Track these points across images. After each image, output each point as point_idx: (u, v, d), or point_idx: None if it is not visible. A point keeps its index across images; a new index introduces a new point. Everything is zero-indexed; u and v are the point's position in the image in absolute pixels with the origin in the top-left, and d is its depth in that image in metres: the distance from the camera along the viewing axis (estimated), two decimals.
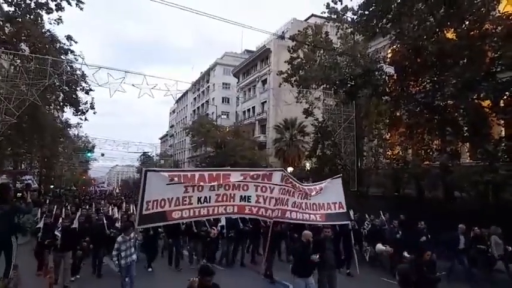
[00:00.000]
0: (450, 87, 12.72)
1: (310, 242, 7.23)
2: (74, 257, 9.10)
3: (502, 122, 13.37)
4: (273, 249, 9.78)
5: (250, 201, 8.03)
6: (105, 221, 10.55)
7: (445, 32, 13.82)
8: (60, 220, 9.63)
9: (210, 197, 7.48)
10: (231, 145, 33.40)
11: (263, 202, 8.14)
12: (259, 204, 8.12)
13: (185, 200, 7.23)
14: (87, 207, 15.58)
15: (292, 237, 12.34)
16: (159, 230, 10.90)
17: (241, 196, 7.91)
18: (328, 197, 9.09)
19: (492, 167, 12.64)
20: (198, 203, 7.37)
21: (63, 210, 12.34)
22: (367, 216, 13.75)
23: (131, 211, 14.36)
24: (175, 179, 7.11)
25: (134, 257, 7.91)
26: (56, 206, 13.23)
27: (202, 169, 8.41)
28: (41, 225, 9.88)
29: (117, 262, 7.61)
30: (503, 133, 14.26)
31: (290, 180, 8.46)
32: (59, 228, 9.00)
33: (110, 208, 14.45)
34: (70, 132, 34.17)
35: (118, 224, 10.66)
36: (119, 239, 7.72)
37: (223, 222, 11.35)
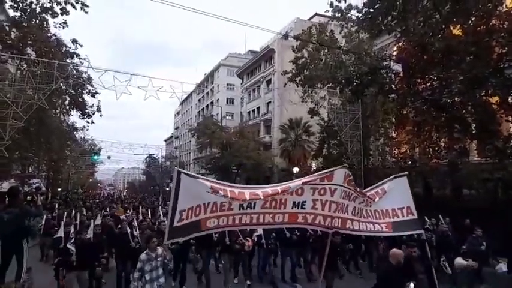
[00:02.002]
0: (457, 84, 12.56)
1: (401, 264, 5.88)
2: (91, 276, 7.89)
3: (511, 118, 13.23)
4: (332, 266, 8.05)
5: (304, 208, 6.44)
6: (128, 231, 9.14)
7: (452, 28, 13.71)
8: (72, 229, 8.51)
9: (255, 203, 6.07)
10: (236, 146, 33.41)
11: (321, 208, 6.51)
12: (315, 210, 6.50)
13: (224, 206, 5.85)
14: (103, 212, 14.83)
15: (345, 250, 10.64)
16: (191, 241, 9.36)
17: (294, 202, 6.35)
18: (393, 201, 7.34)
19: (502, 164, 12.52)
20: (239, 209, 6.01)
21: (78, 216, 11.58)
22: (426, 218, 11.68)
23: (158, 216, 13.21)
24: (220, 192, 5.73)
25: (162, 280, 6.41)
26: (66, 213, 12.84)
27: (253, 186, 7.01)
28: (61, 234, 8.82)
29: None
30: None
31: (352, 182, 6.96)
32: (72, 240, 7.73)
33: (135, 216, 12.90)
34: (76, 135, 34.39)
35: (137, 233, 9.37)
36: (143, 256, 6.32)
37: (260, 231, 9.91)
